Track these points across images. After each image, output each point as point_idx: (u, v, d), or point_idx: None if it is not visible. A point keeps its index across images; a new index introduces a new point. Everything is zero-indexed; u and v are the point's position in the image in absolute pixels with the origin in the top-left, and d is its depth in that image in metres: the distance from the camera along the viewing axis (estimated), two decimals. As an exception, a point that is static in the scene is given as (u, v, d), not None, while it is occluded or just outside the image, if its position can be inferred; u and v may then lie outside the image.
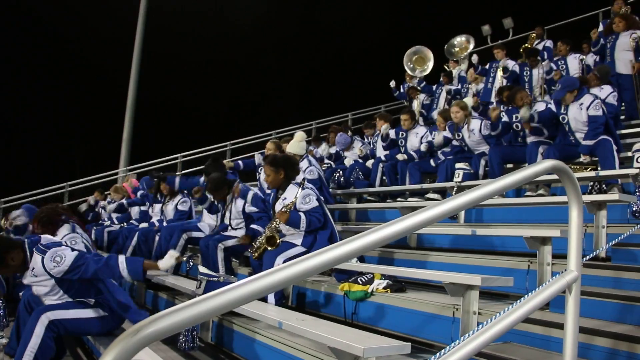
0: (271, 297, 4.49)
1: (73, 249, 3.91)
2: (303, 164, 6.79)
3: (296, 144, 6.99)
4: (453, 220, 5.97)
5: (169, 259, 4.29)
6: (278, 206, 4.90)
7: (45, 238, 3.93)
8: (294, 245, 4.75)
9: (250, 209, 5.69)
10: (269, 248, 4.67)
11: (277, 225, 4.79)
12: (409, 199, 7.39)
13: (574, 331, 2.02)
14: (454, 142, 7.16)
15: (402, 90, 11.86)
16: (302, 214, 4.72)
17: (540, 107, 6.27)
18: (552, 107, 6.02)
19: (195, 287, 4.34)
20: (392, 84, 11.91)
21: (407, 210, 5.92)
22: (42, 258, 3.75)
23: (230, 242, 5.50)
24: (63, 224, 4.75)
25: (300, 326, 3.14)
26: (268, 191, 6.06)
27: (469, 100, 8.33)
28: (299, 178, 5.18)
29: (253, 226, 5.55)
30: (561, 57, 8.88)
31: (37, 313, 3.69)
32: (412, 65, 11.08)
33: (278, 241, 4.69)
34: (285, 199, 4.86)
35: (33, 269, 3.79)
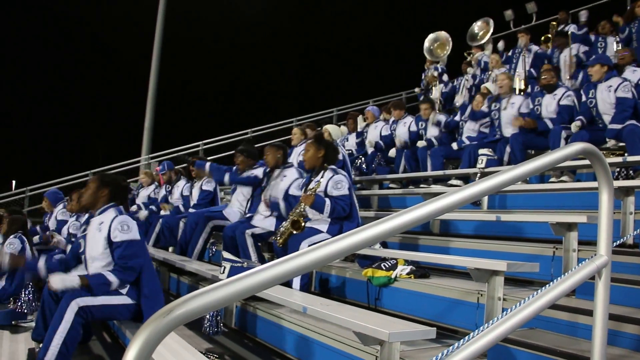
0: (296, 283, 4.49)
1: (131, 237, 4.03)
2: None
3: (337, 130, 7.34)
4: (476, 206, 5.93)
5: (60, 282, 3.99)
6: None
7: None
8: (319, 231, 4.70)
9: (293, 191, 5.45)
10: (294, 232, 4.65)
11: (302, 210, 4.77)
12: (432, 186, 7.36)
13: (604, 317, 1.99)
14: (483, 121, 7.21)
15: (422, 77, 11.79)
16: (327, 200, 4.68)
17: (559, 92, 6.35)
18: (571, 98, 6.16)
19: (219, 272, 4.38)
20: (417, 90, 11.90)
21: (430, 196, 5.83)
22: (115, 217, 4.00)
23: (257, 231, 5.43)
24: (113, 207, 4.29)
25: (324, 311, 3.14)
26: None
27: (490, 86, 8.28)
28: None
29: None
30: (601, 35, 8.67)
31: (68, 299, 3.75)
32: (433, 52, 10.95)
33: (303, 224, 4.66)
34: (318, 181, 4.82)
35: (102, 223, 4.01)
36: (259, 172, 6.06)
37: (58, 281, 3.89)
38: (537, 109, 6.51)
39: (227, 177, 6.20)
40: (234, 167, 6.43)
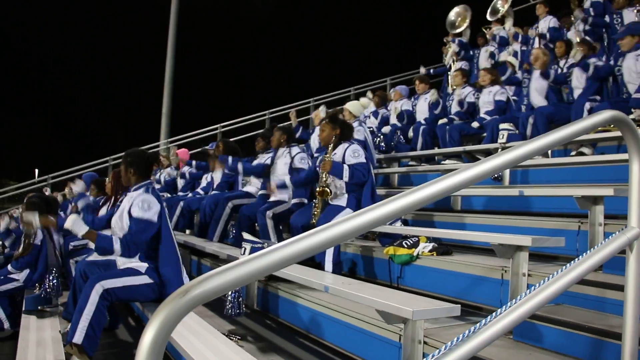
0: (329, 265, 4.47)
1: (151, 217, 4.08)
2: (354, 124, 6.93)
3: (357, 105, 7.20)
4: (497, 181, 5.83)
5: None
6: None
7: None
8: (341, 207, 4.77)
9: (296, 164, 5.74)
10: (325, 198, 4.85)
11: (325, 179, 4.86)
12: (446, 161, 7.35)
13: (636, 291, 1.91)
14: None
15: (443, 52, 11.53)
16: (344, 165, 4.76)
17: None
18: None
19: (239, 254, 4.38)
20: (422, 70, 11.41)
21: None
22: (141, 194, 4.11)
23: (278, 210, 5.48)
24: (144, 186, 4.33)
25: (346, 290, 3.12)
26: (316, 155, 6.07)
27: (513, 60, 8.21)
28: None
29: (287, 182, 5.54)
30: (617, 10, 8.42)
31: (92, 282, 3.80)
32: (455, 26, 10.71)
33: (329, 190, 4.83)
34: (335, 154, 4.93)
35: (132, 197, 4.13)
36: (268, 160, 6.26)
37: (70, 221, 4.01)
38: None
39: (240, 166, 6.37)
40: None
